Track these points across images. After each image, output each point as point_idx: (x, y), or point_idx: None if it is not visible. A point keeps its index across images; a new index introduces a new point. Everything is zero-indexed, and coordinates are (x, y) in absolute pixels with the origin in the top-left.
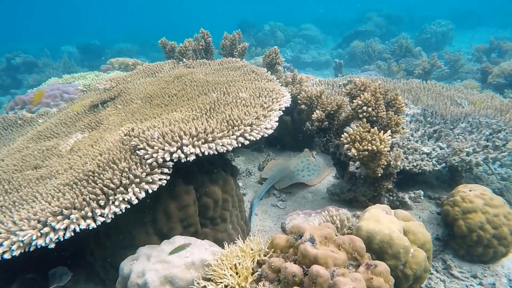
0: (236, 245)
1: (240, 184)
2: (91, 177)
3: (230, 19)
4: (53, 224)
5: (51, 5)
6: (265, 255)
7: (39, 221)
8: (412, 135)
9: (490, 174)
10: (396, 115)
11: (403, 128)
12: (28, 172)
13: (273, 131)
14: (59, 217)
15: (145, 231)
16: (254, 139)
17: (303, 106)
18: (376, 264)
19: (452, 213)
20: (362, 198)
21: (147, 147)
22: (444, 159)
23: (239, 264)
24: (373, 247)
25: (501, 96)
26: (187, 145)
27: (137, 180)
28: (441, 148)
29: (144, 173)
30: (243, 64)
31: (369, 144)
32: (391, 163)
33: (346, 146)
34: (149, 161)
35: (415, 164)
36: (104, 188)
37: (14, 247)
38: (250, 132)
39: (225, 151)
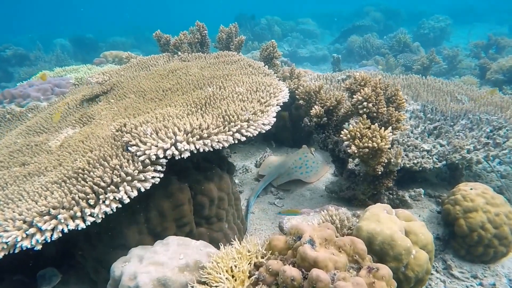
0: (232, 247)
1: (236, 181)
2: (80, 174)
3: (226, 13)
4: (39, 224)
5: None
6: (262, 257)
7: (24, 222)
8: (412, 132)
9: (490, 172)
10: (396, 111)
11: (403, 125)
12: (15, 169)
13: (270, 127)
14: (46, 217)
15: (137, 230)
16: (251, 136)
17: (301, 102)
18: (378, 267)
19: (453, 212)
20: (361, 196)
21: (139, 144)
22: (444, 156)
23: (236, 267)
24: (374, 248)
25: (500, 92)
26: (181, 142)
27: (129, 178)
28: (441, 145)
29: (136, 171)
30: (239, 58)
31: (370, 141)
32: (392, 160)
33: (345, 143)
34: (141, 158)
35: (415, 161)
36: (94, 186)
37: None
38: (247, 128)
39: (221, 148)
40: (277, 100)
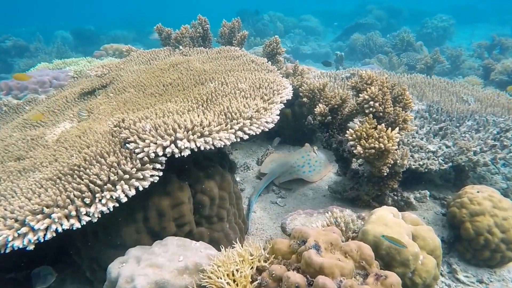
0: (234, 249)
1: (237, 179)
2: (76, 171)
3: (228, 8)
4: (32, 223)
5: None
6: (265, 261)
7: (16, 220)
8: (417, 132)
9: (494, 174)
10: (403, 111)
11: (410, 125)
12: (9, 163)
13: (274, 125)
14: (39, 216)
15: (135, 229)
16: (254, 134)
17: (305, 99)
18: (387, 275)
19: (459, 215)
20: (365, 197)
21: (138, 140)
22: (450, 158)
23: (237, 271)
24: (380, 253)
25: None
26: (181, 139)
27: (127, 176)
28: (447, 147)
29: (135, 169)
30: (242, 53)
31: (376, 142)
32: (398, 161)
33: (350, 143)
34: (140, 155)
35: (421, 163)
36: (90, 184)
37: None
38: (250, 126)
39: (222, 146)
40: (280, 97)
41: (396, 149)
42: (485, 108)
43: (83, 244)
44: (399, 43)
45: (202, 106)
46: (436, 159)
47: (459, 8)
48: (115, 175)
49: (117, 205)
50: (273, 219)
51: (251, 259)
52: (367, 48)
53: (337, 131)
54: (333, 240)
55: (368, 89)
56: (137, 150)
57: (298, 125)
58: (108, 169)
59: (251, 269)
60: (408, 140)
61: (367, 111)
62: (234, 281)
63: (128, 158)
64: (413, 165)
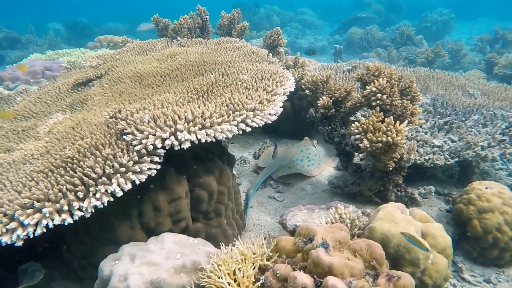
0: (235, 247)
1: (234, 172)
2: (69, 164)
3: (223, 1)
4: (21, 218)
5: None
6: (268, 260)
7: (5, 215)
8: (421, 126)
9: (498, 170)
10: (411, 104)
11: (418, 119)
12: None
13: (277, 117)
14: (29, 211)
15: (130, 225)
16: (257, 126)
17: (306, 92)
18: (400, 276)
19: (466, 212)
20: (367, 193)
21: (135, 132)
22: (456, 153)
23: (239, 270)
24: (388, 251)
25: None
26: (181, 131)
27: (123, 169)
28: (452, 141)
29: (131, 162)
30: (242, 45)
31: (384, 136)
32: (404, 156)
33: (356, 136)
34: (137, 147)
35: (426, 158)
36: (84, 177)
37: None
38: (253, 118)
39: (224, 139)
40: (283, 89)
41: (404, 143)
42: (492, 102)
43: (74, 239)
44: (399, 37)
45: (203, 97)
46: (442, 154)
47: (459, 3)
48: (110, 168)
49: (112, 199)
50: (271, 214)
51: (254, 258)
52: (365, 41)
53: (340, 125)
54: (341, 238)
55: (375, 81)
56: (134, 142)
57: (297, 118)
58: (103, 162)
59: (253, 268)
60: (412, 135)
61: (374, 103)
62: (235, 280)
63: (125, 151)
64: (418, 160)
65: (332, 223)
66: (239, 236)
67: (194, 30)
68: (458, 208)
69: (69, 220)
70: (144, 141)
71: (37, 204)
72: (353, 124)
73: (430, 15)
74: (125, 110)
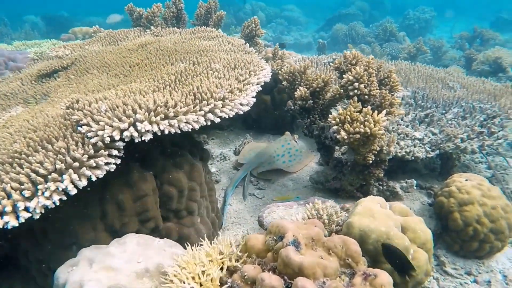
0: (202, 247)
1: (213, 169)
2: (16, 159)
3: None
4: None
5: None
6: (237, 260)
7: None
8: (402, 119)
9: (478, 163)
10: (390, 94)
11: (398, 109)
12: None
13: (249, 108)
14: None
15: (92, 227)
16: (227, 116)
17: (284, 83)
18: (376, 273)
19: (447, 205)
20: (349, 187)
21: (91, 123)
22: (437, 145)
23: (203, 273)
24: (367, 247)
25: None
26: (141, 121)
27: (76, 164)
28: (433, 134)
29: (86, 156)
30: (218, 34)
31: (361, 126)
32: (384, 148)
33: (333, 128)
34: (93, 140)
35: (407, 150)
36: (31, 174)
37: None
38: (222, 108)
39: (190, 130)
40: (257, 78)
41: (383, 134)
42: (471, 95)
43: (31, 244)
44: (382, 33)
45: (170, 86)
46: (423, 146)
47: (440, 2)
48: (62, 163)
49: (64, 198)
50: (250, 212)
51: (221, 259)
52: (350, 38)
53: (319, 117)
54: (314, 235)
55: (352, 69)
56: (89, 134)
57: (278, 112)
58: (54, 156)
59: (220, 270)
60: (393, 127)
61: (351, 93)
62: (200, 284)
63: (80, 144)
64: (399, 152)
65: (309, 219)
66: (215, 236)
67: (170, 20)
68: (440, 201)
69: (13, 223)
70: (100, 133)
71: None
72: (330, 115)
73: (413, 13)
74: (83, 100)
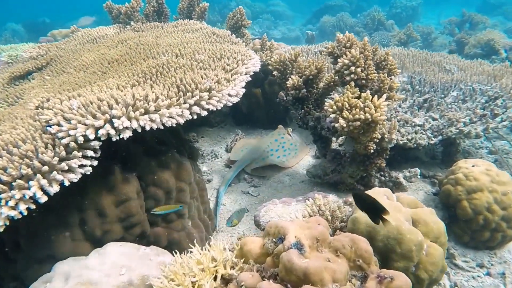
0: (192, 254)
1: (204, 169)
2: None
3: None
4: None
5: None
6: (232, 267)
7: None
8: (400, 106)
9: (478, 148)
10: (389, 78)
11: (397, 94)
12: None
13: (239, 99)
14: None
15: (70, 236)
16: (214, 109)
17: (275, 73)
18: (393, 276)
19: (454, 194)
20: (349, 180)
21: (62, 122)
22: (439, 131)
23: (193, 284)
24: (376, 244)
25: None
26: (119, 117)
27: (46, 168)
28: (434, 119)
29: (57, 158)
30: (202, 26)
31: (361, 112)
32: (385, 136)
33: (331, 116)
34: (64, 141)
35: (409, 137)
36: None
37: None
38: (208, 99)
39: (174, 125)
40: (246, 68)
41: (384, 120)
42: (470, 77)
43: (2, 259)
44: (370, 22)
45: (151, 79)
46: (424, 133)
47: None
48: (29, 168)
49: (33, 206)
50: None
51: (214, 267)
52: (338, 29)
53: (314, 107)
54: (318, 235)
55: (347, 52)
56: (60, 134)
57: (270, 106)
58: (20, 161)
59: (214, 279)
60: (392, 115)
61: (348, 78)
62: None
63: (50, 146)
64: (401, 140)
65: (310, 216)
66: (208, 239)
67: (151, 15)
68: (446, 189)
69: None
70: (72, 132)
71: None
72: (326, 103)
73: (399, 1)
74: (54, 98)
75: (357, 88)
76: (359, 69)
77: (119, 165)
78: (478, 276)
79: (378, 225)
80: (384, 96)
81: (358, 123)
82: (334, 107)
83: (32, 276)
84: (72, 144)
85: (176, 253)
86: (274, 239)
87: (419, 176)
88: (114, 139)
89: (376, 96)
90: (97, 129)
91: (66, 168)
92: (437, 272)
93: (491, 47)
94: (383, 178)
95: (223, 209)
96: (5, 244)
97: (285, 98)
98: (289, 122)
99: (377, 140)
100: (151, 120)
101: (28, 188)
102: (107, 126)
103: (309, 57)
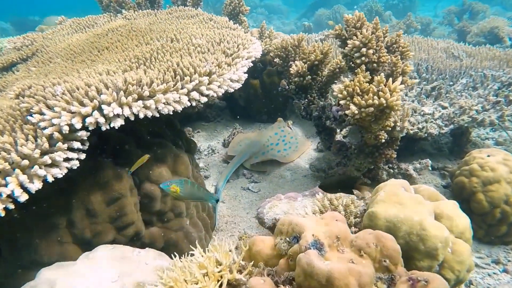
0: (193, 257)
1: (201, 164)
2: None
3: None
4: None
5: None
6: (240, 271)
7: None
8: (406, 95)
9: (484, 139)
10: (401, 61)
11: (410, 79)
12: None
13: (241, 85)
14: None
15: (57, 239)
16: (215, 95)
17: (276, 60)
18: (428, 278)
19: (468, 186)
20: (355, 173)
21: (44, 110)
22: (450, 119)
23: None
24: (398, 242)
25: None
26: (109, 104)
27: (25, 162)
28: (443, 108)
29: (38, 151)
30: (198, 12)
31: (375, 97)
32: (397, 124)
33: (341, 102)
34: (47, 131)
35: (420, 126)
36: None
37: None
38: (208, 84)
39: (171, 113)
40: (247, 52)
41: (401, 106)
42: (480, 62)
43: None
44: (367, 14)
45: (145, 64)
46: (434, 122)
47: None
48: (6, 162)
49: (11, 206)
50: (246, 208)
51: (219, 271)
52: (334, 21)
53: (318, 96)
54: (339, 232)
55: (358, 33)
56: (42, 124)
57: (268, 97)
58: None
59: (219, 286)
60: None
61: (358, 61)
62: None
63: (31, 137)
64: (411, 129)
65: (322, 212)
66: (208, 239)
67: (144, 4)
68: (459, 181)
69: None
70: (55, 121)
71: None
72: (335, 88)
73: None
74: (37, 85)
75: (368, 72)
76: (370, 51)
77: (110, 159)
78: (494, 273)
79: (399, 221)
80: (400, 79)
81: (372, 109)
82: (344, 92)
83: (15, 285)
84: (56, 134)
85: (175, 256)
86: (287, 238)
87: (430, 168)
88: (103, 128)
89: (390, 79)
90: (84, 117)
91: (50, 162)
92: (463, 271)
93: (495, 35)
94: (391, 170)
95: (221, 206)
96: None
97: (287, 86)
98: (289, 115)
99: (390, 129)
100: (146, 107)
101: (5, 185)
102: (96, 113)
103: (311, 45)
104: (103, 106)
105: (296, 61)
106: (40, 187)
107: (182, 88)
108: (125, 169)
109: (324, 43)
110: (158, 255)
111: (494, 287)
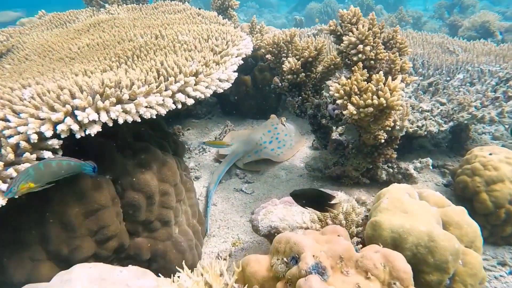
0: (180, 279)
1: (192, 164)
2: None
3: None
4: None
5: None
6: None
7: None
8: (403, 90)
9: (481, 134)
10: (399, 58)
11: (409, 76)
12: None
13: (230, 84)
14: None
15: (29, 256)
16: (202, 96)
17: (268, 56)
18: None
19: (471, 185)
20: (353, 173)
21: (9, 116)
22: (449, 116)
23: None
24: (404, 254)
25: None
26: (83, 109)
27: None
28: (441, 104)
29: (1, 164)
30: (185, 7)
31: (374, 97)
32: (397, 123)
33: (338, 102)
34: (12, 140)
35: (419, 124)
36: None
37: None
38: (195, 85)
39: (155, 117)
40: (237, 49)
41: (401, 105)
42: (476, 57)
43: None
44: (359, 8)
45: (126, 64)
46: (433, 119)
47: None
48: None
49: None
50: (239, 211)
51: None
52: (325, 15)
53: (312, 93)
54: (343, 252)
55: (354, 29)
56: (7, 132)
57: (260, 94)
58: None
59: None
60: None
61: (355, 58)
62: None
63: None
64: (410, 128)
65: (321, 220)
66: (199, 247)
67: None
68: (461, 181)
69: None
70: (22, 129)
71: None
72: (331, 87)
73: None
74: (3, 88)
75: (365, 70)
76: (368, 48)
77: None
78: (500, 275)
79: (406, 231)
80: (400, 77)
81: (371, 109)
82: (341, 91)
83: None
84: (23, 144)
85: (159, 275)
86: (285, 259)
87: (431, 167)
88: (78, 135)
89: (390, 77)
90: (55, 124)
91: (15, 175)
92: (476, 285)
93: (486, 29)
94: (391, 170)
95: (213, 210)
96: None
97: (280, 84)
98: (282, 111)
99: (389, 129)
100: (125, 111)
101: None
102: (68, 119)
103: (303, 40)
104: (77, 112)
105: (289, 58)
106: (4, 204)
107: (166, 90)
108: (106, 177)
109: (317, 38)
110: (141, 274)
111: None
